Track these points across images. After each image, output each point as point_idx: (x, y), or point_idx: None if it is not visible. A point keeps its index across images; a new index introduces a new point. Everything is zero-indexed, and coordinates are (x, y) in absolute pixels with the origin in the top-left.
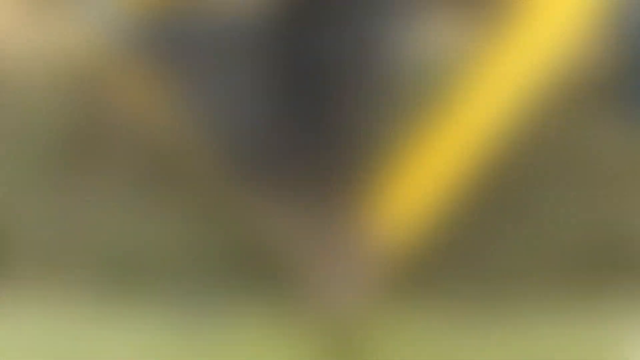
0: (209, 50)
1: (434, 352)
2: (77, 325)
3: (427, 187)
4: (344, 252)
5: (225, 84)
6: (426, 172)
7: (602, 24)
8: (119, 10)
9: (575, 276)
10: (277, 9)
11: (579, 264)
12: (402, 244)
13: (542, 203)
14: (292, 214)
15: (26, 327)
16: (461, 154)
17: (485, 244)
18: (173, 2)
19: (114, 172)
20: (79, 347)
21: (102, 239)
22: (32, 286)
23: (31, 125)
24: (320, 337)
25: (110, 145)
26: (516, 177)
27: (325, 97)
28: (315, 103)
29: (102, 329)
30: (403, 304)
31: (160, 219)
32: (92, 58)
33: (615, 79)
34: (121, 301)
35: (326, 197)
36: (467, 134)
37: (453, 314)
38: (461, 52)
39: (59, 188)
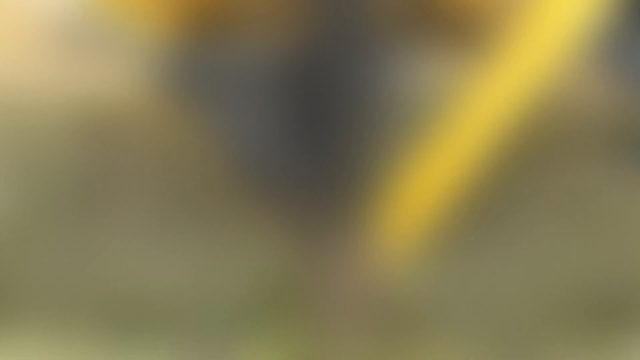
0: (232, 90)
1: None
2: None
3: (433, 217)
4: (353, 282)
5: (250, 123)
6: (431, 204)
7: (597, 62)
8: (144, 50)
9: (583, 323)
10: (296, 48)
11: (584, 311)
12: (407, 275)
13: (537, 234)
14: (312, 248)
15: None
16: (462, 184)
17: (486, 277)
18: (196, 41)
19: (129, 214)
20: None
21: (113, 282)
22: (40, 330)
23: (52, 166)
24: None
25: (128, 186)
26: (514, 207)
27: (342, 128)
28: (333, 138)
29: None
30: (411, 335)
31: (174, 261)
32: (118, 99)
33: (611, 117)
34: (132, 345)
35: (342, 229)
36: (467, 164)
37: (461, 344)
38: (457, 86)
39: (81, 230)
